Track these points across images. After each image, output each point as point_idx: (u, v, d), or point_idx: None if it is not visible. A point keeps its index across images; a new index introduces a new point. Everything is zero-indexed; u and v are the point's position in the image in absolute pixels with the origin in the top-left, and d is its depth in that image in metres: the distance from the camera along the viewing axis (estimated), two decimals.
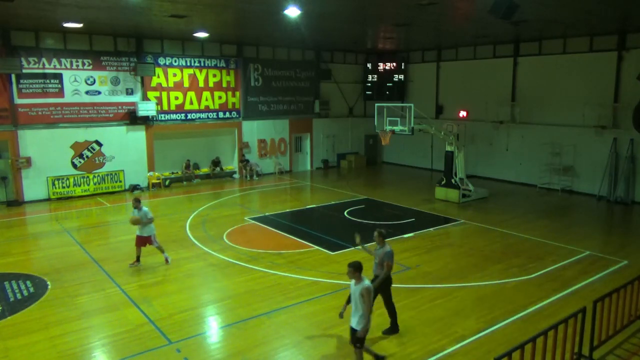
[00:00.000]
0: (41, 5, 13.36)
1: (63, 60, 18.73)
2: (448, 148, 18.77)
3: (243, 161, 23.71)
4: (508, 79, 21.90)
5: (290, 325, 8.50)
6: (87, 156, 19.63)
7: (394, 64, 26.41)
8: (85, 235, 14.45)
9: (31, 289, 10.18)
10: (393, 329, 8.21)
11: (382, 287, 8.02)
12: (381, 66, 26.74)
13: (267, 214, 16.54)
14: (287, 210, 17.35)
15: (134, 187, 20.56)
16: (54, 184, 18.85)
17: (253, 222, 15.55)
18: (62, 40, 18.61)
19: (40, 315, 9.00)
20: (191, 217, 16.14)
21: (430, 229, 14.61)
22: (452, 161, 18.49)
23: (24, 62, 17.87)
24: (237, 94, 23.43)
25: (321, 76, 26.06)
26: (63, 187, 19.07)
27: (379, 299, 8.10)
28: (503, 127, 21.96)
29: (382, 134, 18.70)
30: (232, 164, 24.02)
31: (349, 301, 7.01)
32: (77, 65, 19.04)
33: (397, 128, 18.19)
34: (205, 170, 23.24)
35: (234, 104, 23.37)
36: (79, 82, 19.17)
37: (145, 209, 11.41)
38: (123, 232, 15.24)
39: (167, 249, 12.56)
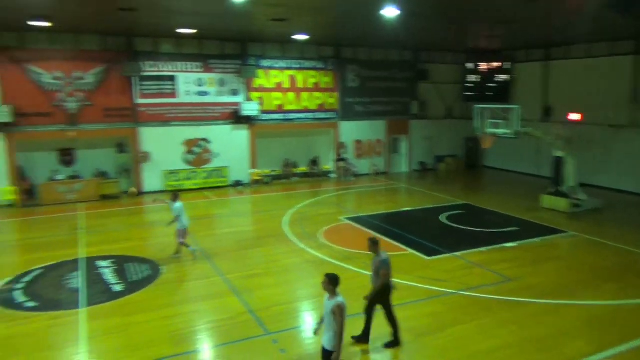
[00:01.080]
0: (160, 14, 14.64)
1: (177, 63, 20.34)
2: (557, 153, 17.52)
3: (340, 161, 24.04)
4: (627, 78, 19.89)
5: (381, 329, 8.46)
6: (196, 153, 21.14)
7: (497, 63, 25.15)
8: (193, 225, 15.46)
9: (148, 272, 11.21)
10: (395, 342, 7.78)
11: (381, 297, 7.68)
12: (482, 66, 25.61)
13: (362, 214, 16.63)
14: (382, 211, 17.30)
15: (237, 183, 21.76)
16: (167, 177, 20.56)
17: (348, 222, 15.72)
18: (176, 46, 20.21)
19: (154, 297, 9.88)
20: (289, 213, 16.71)
21: (535, 239, 13.73)
22: (561, 167, 17.23)
23: (144, 66, 19.67)
24: (335, 94, 23.80)
25: (419, 77, 25.61)
26: (175, 180, 20.72)
27: (385, 309, 7.81)
28: (622, 132, 20.01)
29: (483, 137, 17.93)
30: (329, 164, 24.45)
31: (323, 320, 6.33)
32: (189, 68, 20.57)
33: (500, 131, 17.34)
34: (303, 169, 23.91)
35: (331, 104, 23.78)
36: (190, 84, 20.69)
37: (177, 204, 11.94)
38: (227, 225, 16.25)
39: (266, 244, 13.19)
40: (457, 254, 12.34)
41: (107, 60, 19.12)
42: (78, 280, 10.68)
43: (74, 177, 19.32)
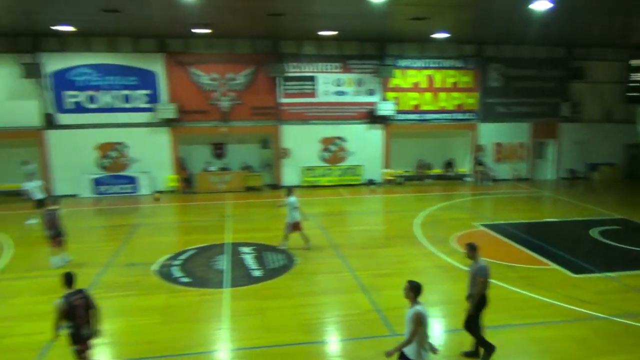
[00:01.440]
0: (304, 17, 15.42)
1: (318, 64, 21.22)
2: None
3: (477, 164, 22.97)
4: None
5: (519, 347, 7.94)
6: (332, 150, 21.87)
7: None
8: (326, 221, 16.17)
9: (284, 261, 11.95)
10: (474, 353, 7.37)
11: (477, 305, 7.20)
12: None
13: (499, 222, 15.71)
14: (523, 220, 16.14)
15: (370, 182, 22.04)
16: (305, 173, 21.62)
17: (484, 228, 14.98)
18: (317, 47, 21.08)
19: (288, 285, 10.50)
20: (421, 215, 16.46)
21: None
22: None
23: (288, 67, 20.87)
24: (475, 95, 22.75)
25: (572, 75, 23.23)
26: (312, 177, 21.71)
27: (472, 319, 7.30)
28: None
29: None
30: (465, 167, 23.50)
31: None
32: (328, 69, 21.32)
33: None
34: (437, 171, 23.33)
35: (471, 105, 22.79)
36: (329, 84, 21.44)
37: (290, 199, 12.58)
38: (358, 222, 16.54)
39: (396, 244, 13.18)
40: (611, 274, 11.02)
41: (255, 62, 20.72)
42: (224, 263, 11.80)
43: (224, 169, 21.35)
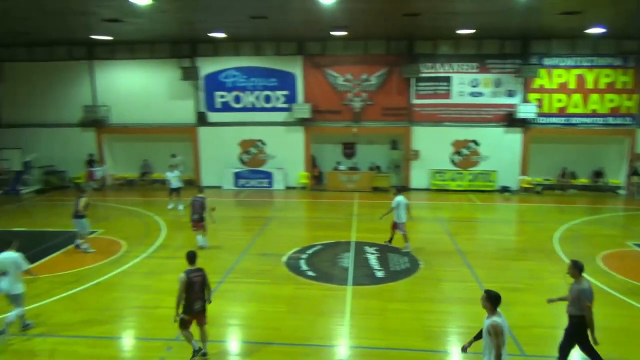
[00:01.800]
0: (441, 16, 15.01)
1: (453, 64, 20.51)
2: None
3: (633, 175, 20.25)
4: None
5: None
6: (464, 154, 21.02)
7: None
8: (455, 227, 15.62)
9: (407, 265, 11.84)
10: None
11: (577, 329, 6.59)
12: None
13: None
14: None
15: (504, 189, 20.72)
16: (434, 176, 21.11)
17: (639, 249, 13.21)
18: (453, 46, 20.37)
19: (411, 289, 10.39)
20: (561, 229, 15.06)
21: None
22: None
23: (422, 68, 20.51)
24: (634, 97, 20.07)
25: None
26: (441, 180, 21.11)
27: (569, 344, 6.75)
28: None
29: None
30: (617, 178, 20.90)
31: (478, 336, 5.94)
32: (465, 69, 20.48)
33: None
34: (583, 180, 21.09)
35: (628, 108, 20.17)
36: (465, 84, 20.60)
37: (396, 198, 12.64)
38: (489, 231, 15.71)
39: (530, 258, 12.29)
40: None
41: (389, 63, 20.73)
42: (348, 261, 12.08)
43: (353, 169, 21.77)
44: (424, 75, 20.63)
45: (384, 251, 12.80)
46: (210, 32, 18.34)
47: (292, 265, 11.77)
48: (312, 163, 22.12)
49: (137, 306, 9.60)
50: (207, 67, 21.39)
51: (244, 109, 21.68)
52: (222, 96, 21.67)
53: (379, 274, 11.19)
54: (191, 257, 7.59)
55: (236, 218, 17.48)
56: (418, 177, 21.32)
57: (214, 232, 14.47)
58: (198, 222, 13.03)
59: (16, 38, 19.45)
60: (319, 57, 21.00)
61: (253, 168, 21.98)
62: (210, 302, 7.65)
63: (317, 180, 22.39)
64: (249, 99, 21.60)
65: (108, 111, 22.11)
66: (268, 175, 21.85)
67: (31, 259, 12.10)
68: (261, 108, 21.63)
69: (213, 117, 21.82)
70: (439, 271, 11.47)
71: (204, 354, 7.52)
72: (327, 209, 18.38)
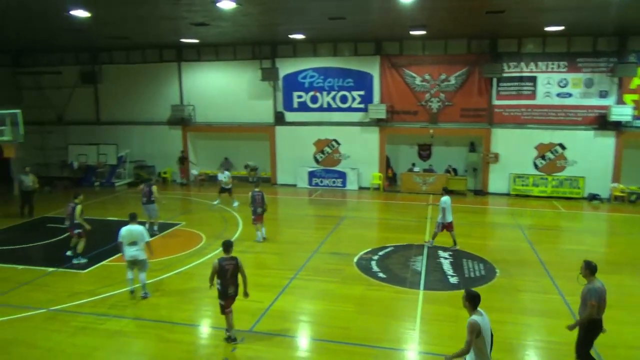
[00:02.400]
0: (528, 13, 14.24)
1: (539, 63, 19.40)
2: None
3: None
4: None
5: None
6: (549, 158, 19.84)
7: None
8: (536, 235, 14.82)
9: (482, 272, 11.42)
10: None
11: (586, 330, 6.61)
12: None
13: None
14: None
15: (593, 197, 19.26)
16: (515, 181, 20.11)
17: None
18: (540, 44, 19.27)
19: (486, 297, 9.77)
20: None
21: None
22: None
23: (505, 67, 19.62)
24: None
25: None
26: (522, 185, 20.07)
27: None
28: None
29: None
30: None
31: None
32: (552, 68, 19.31)
33: None
34: None
35: None
36: (552, 84, 19.42)
37: (443, 198, 12.75)
38: (574, 241, 14.77)
39: (622, 272, 11.44)
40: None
41: (469, 62, 20.05)
42: (420, 264, 11.87)
43: (428, 171, 21.31)
44: (506, 75, 19.72)
45: (459, 257, 12.43)
46: (290, 34, 18.78)
47: (363, 266, 11.77)
48: (386, 164, 21.94)
49: (215, 296, 10.03)
50: (286, 68, 21.91)
51: (320, 109, 21.96)
52: (299, 96, 22.10)
53: (453, 280, 10.90)
54: (226, 246, 8.12)
55: (309, 216, 17.77)
56: (497, 181, 20.43)
57: (287, 229, 14.85)
58: (260, 216, 13.68)
59: (115, 43, 21.10)
60: (396, 57, 20.78)
61: (327, 167, 22.20)
62: (247, 294, 8.09)
63: (390, 181, 22.18)
64: (325, 99, 21.85)
65: (193, 110, 23.37)
66: (342, 175, 21.97)
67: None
68: (337, 108, 21.79)
69: (290, 116, 22.32)
70: (518, 280, 10.95)
71: (230, 339, 8.06)
72: (400, 211, 18.15)
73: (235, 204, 17.99)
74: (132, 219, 9.97)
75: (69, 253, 12.47)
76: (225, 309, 7.92)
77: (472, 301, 5.84)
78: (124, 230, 9.73)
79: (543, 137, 19.79)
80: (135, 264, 9.79)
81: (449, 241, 13.30)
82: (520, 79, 19.70)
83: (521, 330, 8.63)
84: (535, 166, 20.04)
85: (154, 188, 14.63)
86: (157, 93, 23.73)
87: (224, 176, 18.38)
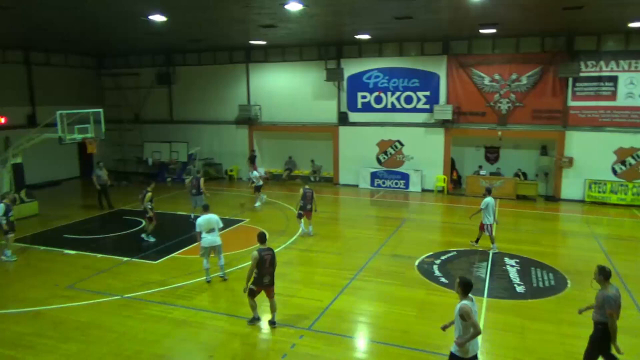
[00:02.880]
0: (610, 7, 13.34)
1: (621, 62, 18.13)
2: None
3: None
4: None
5: None
6: (631, 163, 18.48)
7: None
8: (613, 245, 13.89)
9: (552, 282, 10.86)
10: None
11: (602, 336, 6.46)
12: None
13: None
14: None
15: None
16: (590, 187, 18.92)
17: None
18: (622, 42, 18.00)
19: (555, 309, 9.51)
20: None
21: None
22: None
23: (582, 66, 18.49)
24: None
25: None
26: (599, 192, 18.83)
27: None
28: None
29: None
30: None
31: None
32: (636, 67, 17.97)
33: None
34: None
35: None
36: (635, 84, 18.08)
37: (485, 199, 12.78)
38: None
39: None
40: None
41: (543, 61, 19.10)
42: (485, 271, 11.48)
43: (495, 174, 20.52)
44: (584, 74, 18.59)
45: (526, 265, 11.91)
46: (356, 35, 18.79)
47: (425, 270, 11.57)
48: (451, 166, 21.39)
49: (275, 293, 10.31)
50: (351, 68, 21.94)
51: (384, 110, 21.79)
52: (363, 97, 22.05)
53: (519, 289, 10.46)
54: (262, 237, 8.72)
55: (371, 217, 17.70)
56: (570, 187, 19.30)
57: (348, 229, 14.88)
58: (310, 212, 14.36)
59: (188, 45, 22.12)
60: (464, 56, 20.20)
61: (390, 169, 21.99)
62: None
63: (455, 184, 21.60)
64: (389, 99, 21.65)
65: (259, 110, 23.98)
66: (405, 177, 21.68)
67: (191, 240, 13.75)
68: (401, 109, 21.52)
69: (354, 117, 22.33)
70: (591, 293, 10.20)
71: (273, 323, 8.66)
72: (464, 215, 17.58)
73: (258, 204, 18.45)
74: (206, 209, 11.15)
75: (143, 235, 14.19)
76: (255, 294, 8.55)
77: (465, 288, 6.19)
78: (202, 219, 10.65)
79: (623, 140, 18.46)
80: (213, 249, 10.70)
81: (509, 247, 12.77)
82: (599, 78, 18.50)
83: None
84: (614, 172, 18.73)
85: (202, 180, 16.28)
86: (225, 93, 24.58)
87: (253, 176, 18.76)
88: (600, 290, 6.74)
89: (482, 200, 12.93)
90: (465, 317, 5.96)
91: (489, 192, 13.21)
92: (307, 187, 14.52)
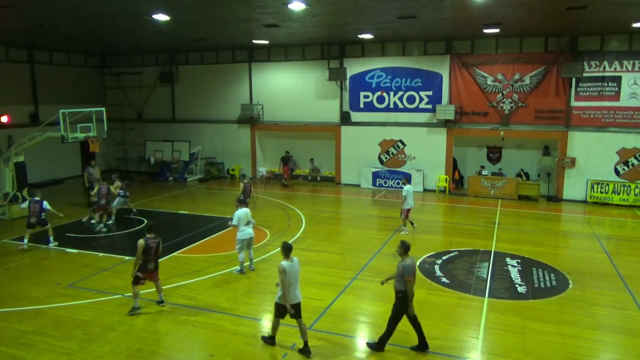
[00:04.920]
0: (614, 7, 13.29)
1: (624, 62, 18.06)
2: None
3: None
4: None
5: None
6: (633, 164, 18.42)
7: None
8: (615, 246, 13.86)
9: (553, 282, 10.83)
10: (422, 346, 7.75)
11: (402, 303, 7.57)
12: None
13: None
14: None
15: None
16: (592, 188, 18.87)
17: None
18: (626, 42, 17.95)
19: (556, 309, 9.49)
20: None
21: None
22: None
23: (586, 66, 18.43)
24: None
25: None
26: (601, 192, 18.78)
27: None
28: None
29: None
30: None
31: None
32: (639, 68, 17.91)
33: None
34: None
35: None
36: (639, 85, 18.01)
37: (406, 187, 14.43)
38: None
39: None
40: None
41: (546, 61, 19.06)
42: (486, 271, 11.46)
43: (497, 174, 20.47)
44: (587, 74, 18.53)
45: (528, 265, 11.88)
46: (359, 34, 18.76)
47: (426, 270, 11.56)
48: (453, 166, 21.35)
49: (276, 292, 10.31)
50: (354, 67, 21.92)
51: (387, 109, 21.76)
52: (366, 96, 22.03)
53: (521, 289, 10.43)
54: (150, 227, 9.34)
55: (372, 217, 17.69)
56: (572, 187, 19.25)
57: (350, 229, 14.87)
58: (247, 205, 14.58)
59: (191, 44, 22.13)
60: (467, 56, 20.16)
61: (392, 168, 21.97)
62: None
63: (457, 184, 21.58)
64: (392, 99, 21.63)
65: (261, 109, 23.98)
66: (406, 176, 21.58)
67: (192, 239, 13.78)
68: (404, 108, 21.49)
69: (356, 116, 22.31)
70: (592, 294, 10.28)
71: (161, 302, 9.42)
72: (466, 215, 17.60)
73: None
74: (241, 202, 12.19)
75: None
76: (140, 280, 9.05)
77: (285, 251, 7.68)
78: (241, 212, 11.09)
79: (626, 141, 18.41)
80: (250, 241, 11.22)
81: (511, 247, 12.75)
82: (603, 79, 18.45)
83: (594, 347, 8.10)
84: (617, 172, 18.68)
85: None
86: (228, 92, 24.59)
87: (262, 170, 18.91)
88: (400, 262, 7.75)
89: (404, 188, 14.61)
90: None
91: (408, 180, 15.42)
92: (246, 181, 15.56)
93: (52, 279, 10.99)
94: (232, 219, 11.26)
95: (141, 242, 8.90)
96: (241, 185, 15.48)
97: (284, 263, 7.59)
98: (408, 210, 14.57)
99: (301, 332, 7.79)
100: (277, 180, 23.83)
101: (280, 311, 7.75)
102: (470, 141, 21.36)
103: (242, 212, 11.11)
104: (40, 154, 20.89)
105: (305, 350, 7.66)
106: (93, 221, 15.67)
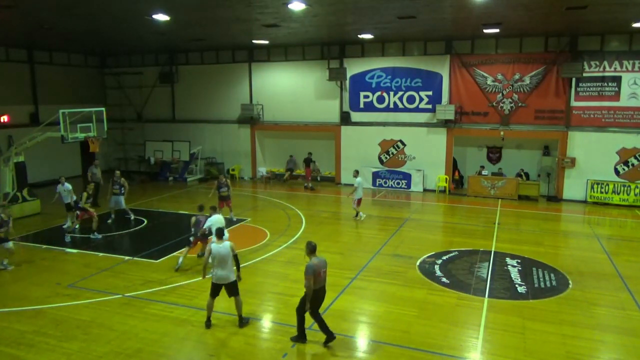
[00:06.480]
0: (614, 7, 13.30)
1: (624, 62, 18.06)
2: None
3: None
4: None
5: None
6: (633, 164, 18.43)
7: None
8: (614, 246, 13.86)
9: (553, 282, 10.83)
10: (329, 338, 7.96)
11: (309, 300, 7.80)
12: None
13: None
14: None
15: None
16: (592, 188, 18.87)
17: None
18: (626, 42, 17.95)
19: (556, 310, 9.49)
20: None
21: None
22: None
23: (586, 66, 18.43)
24: None
25: None
26: (601, 192, 18.78)
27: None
28: None
29: None
30: None
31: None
32: (639, 68, 17.91)
33: None
34: None
35: None
36: (639, 85, 18.01)
37: (357, 179, 15.98)
38: None
39: None
40: None
41: (546, 61, 19.06)
42: (486, 271, 11.47)
43: (497, 174, 20.46)
44: (587, 74, 18.53)
45: (528, 265, 11.88)
46: (359, 34, 18.76)
47: (426, 270, 11.56)
48: (453, 166, 21.35)
49: (276, 292, 10.33)
50: (354, 67, 21.92)
51: (387, 109, 21.76)
52: (366, 96, 22.03)
53: (521, 289, 10.43)
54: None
55: (372, 217, 17.67)
56: (573, 187, 19.25)
57: (350, 229, 14.87)
58: (229, 200, 16.00)
59: (191, 44, 22.13)
60: (467, 56, 20.16)
61: (392, 168, 21.97)
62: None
63: (457, 184, 21.58)
64: (392, 99, 21.62)
65: (261, 109, 23.98)
66: (406, 177, 21.66)
67: (188, 241, 13.72)
68: (404, 108, 21.49)
69: (356, 116, 22.31)
70: (592, 294, 10.28)
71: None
72: (466, 215, 17.61)
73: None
74: (212, 208, 12.12)
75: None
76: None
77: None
78: (214, 219, 11.25)
79: (627, 141, 18.42)
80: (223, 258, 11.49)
81: (510, 247, 12.75)
82: (603, 79, 18.45)
83: (594, 347, 8.11)
84: (617, 172, 18.68)
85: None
86: (228, 93, 24.59)
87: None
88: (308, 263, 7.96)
89: (356, 180, 16.27)
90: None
91: (357, 173, 16.73)
92: (223, 178, 16.13)
93: (52, 279, 11.00)
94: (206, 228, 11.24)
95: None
96: (215, 183, 16.01)
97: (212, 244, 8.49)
98: (359, 200, 16.29)
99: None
100: (277, 180, 23.82)
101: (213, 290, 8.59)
102: (470, 141, 21.37)
103: (215, 219, 11.23)
104: (40, 154, 20.88)
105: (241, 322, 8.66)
106: (65, 225, 14.99)
